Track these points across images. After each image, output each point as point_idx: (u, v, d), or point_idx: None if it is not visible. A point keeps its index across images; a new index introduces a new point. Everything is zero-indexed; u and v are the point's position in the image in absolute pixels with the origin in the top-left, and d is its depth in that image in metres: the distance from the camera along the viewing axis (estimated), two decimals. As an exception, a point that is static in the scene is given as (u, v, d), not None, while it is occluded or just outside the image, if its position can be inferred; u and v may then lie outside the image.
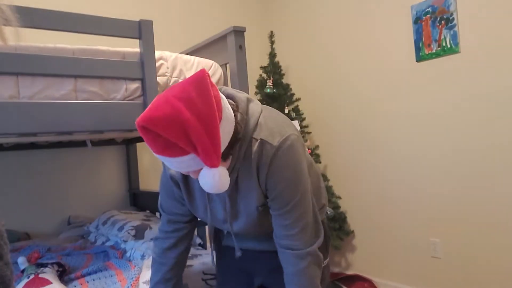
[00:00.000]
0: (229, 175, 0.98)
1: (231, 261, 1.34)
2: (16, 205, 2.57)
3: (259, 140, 1.01)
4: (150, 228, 2.16)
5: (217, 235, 1.40)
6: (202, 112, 0.84)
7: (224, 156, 0.96)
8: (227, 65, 2.06)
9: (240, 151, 1.01)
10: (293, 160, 1.02)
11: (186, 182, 1.16)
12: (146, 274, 1.66)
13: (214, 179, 0.87)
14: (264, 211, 1.09)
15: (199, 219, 1.29)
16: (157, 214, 2.67)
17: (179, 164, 0.89)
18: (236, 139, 0.97)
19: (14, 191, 2.58)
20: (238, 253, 1.21)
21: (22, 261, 1.76)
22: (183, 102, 0.84)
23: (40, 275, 1.54)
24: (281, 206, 1.04)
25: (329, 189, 3.11)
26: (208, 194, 1.13)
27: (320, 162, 3.20)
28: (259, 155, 1.01)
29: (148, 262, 1.75)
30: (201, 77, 0.88)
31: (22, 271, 1.66)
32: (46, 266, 1.64)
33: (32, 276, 1.54)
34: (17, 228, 2.54)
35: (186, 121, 0.82)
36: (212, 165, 0.86)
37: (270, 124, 1.03)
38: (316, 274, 1.08)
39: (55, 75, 1.46)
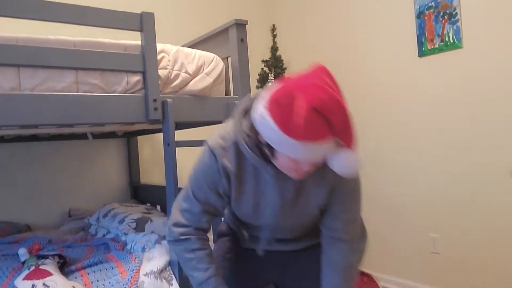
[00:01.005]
0: None
1: (246, 265, 1.33)
2: (17, 197, 2.57)
3: None
4: (151, 221, 2.17)
5: (233, 236, 1.40)
6: (344, 101, 0.88)
7: None
8: (229, 59, 2.05)
9: None
10: None
11: (239, 175, 1.10)
12: (147, 267, 1.67)
13: (357, 160, 0.91)
14: (319, 213, 1.15)
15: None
16: (158, 207, 2.68)
17: (319, 152, 0.90)
18: None
19: (15, 183, 2.58)
20: (260, 252, 1.24)
21: (22, 253, 1.77)
22: (333, 89, 0.87)
23: (40, 267, 1.55)
24: (345, 201, 1.14)
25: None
26: (263, 190, 1.10)
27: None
28: (337, 179, 1.08)
29: (148, 254, 1.76)
30: (324, 68, 0.92)
31: (23, 263, 1.66)
32: (47, 258, 1.65)
33: (33, 268, 1.54)
34: (18, 220, 2.55)
35: (345, 107, 0.86)
36: (355, 147, 0.92)
37: None
38: (357, 270, 1.20)
39: (56, 67, 1.46)
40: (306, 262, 1.29)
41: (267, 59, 3.23)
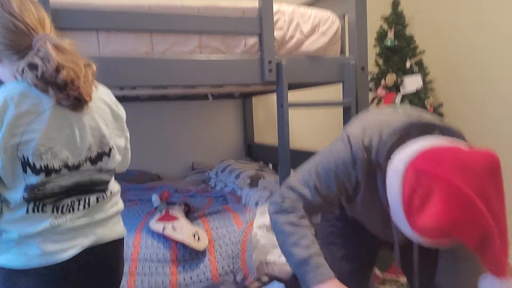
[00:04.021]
0: None
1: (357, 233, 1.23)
2: (149, 150, 2.92)
3: None
4: (263, 178, 2.28)
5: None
6: (499, 215, 0.76)
7: None
8: (345, 16, 1.97)
9: None
10: None
11: (370, 185, 0.99)
12: (260, 220, 1.79)
13: None
14: None
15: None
16: (270, 165, 2.79)
17: (432, 243, 0.82)
18: None
19: (148, 138, 2.93)
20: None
21: (155, 199, 2.03)
22: (485, 203, 0.74)
23: (170, 212, 1.76)
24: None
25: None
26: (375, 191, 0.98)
27: (443, 122, 2.93)
28: None
29: (261, 208, 1.87)
30: (496, 168, 0.78)
31: (155, 208, 1.91)
32: (175, 204, 1.87)
33: (163, 212, 1.77)
34: (150, 170, 2.91)
35: (488, 229, 0.74)
36: (502, 275, 0.78)
37: None
38: None
39: (183, 31, 1.58)
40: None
41: (387, 15, 3.01)
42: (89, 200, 1.01)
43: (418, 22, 3.25)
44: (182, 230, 1.61)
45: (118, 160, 1.10)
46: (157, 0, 1.59)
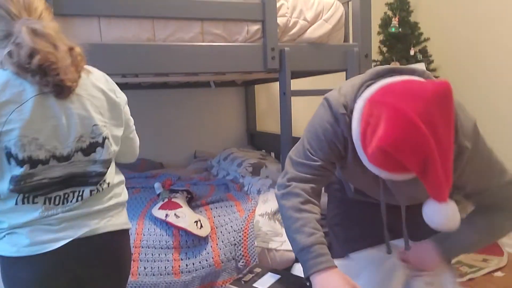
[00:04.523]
0: None
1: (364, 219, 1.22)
2: (152, 138, 2.92)
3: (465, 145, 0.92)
4: (266, 166, 2.29)
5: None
6: (443, 141, 0.77)
7: None
8: (349, 3, 1.94)
9: None
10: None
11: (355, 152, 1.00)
12: (262, 208, 1.79)
13: (445, 215, 0.80)
14: None
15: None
16: (272, 154, 2.79)
17: (392, 177, 0.83)
18: None
19: (150, 126, 2.93)
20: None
21: (158, 186, 2.04)
22: (429, 128, 0.75)
23: (172, 199, 1.77)
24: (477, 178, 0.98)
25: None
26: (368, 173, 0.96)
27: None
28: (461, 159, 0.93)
29: (263, 197, 1.88)
30: (445, 96, 0.78)
31: (158, 195, 1.92)
32: (177, 192, 1.87)
33: (166, 200, 1.77)
34: (153, 158, 2.91)
35: (430, 152, 0.75)
36: (442, 199, 0.79)
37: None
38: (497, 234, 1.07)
39: (184, 18, 1.57)
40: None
41: (392, 1, 2.97)
42: (83, 192, 0.98)
43: (423, 8, 3.21)
44: (185, 217, 1.62)
45: (114, 150, 1.04)
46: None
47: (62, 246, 0.94)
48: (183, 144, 3.04)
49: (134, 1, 1.49)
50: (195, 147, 3.07)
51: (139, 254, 1.55)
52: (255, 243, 1.66)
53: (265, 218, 1.75)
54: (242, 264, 1.62)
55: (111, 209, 1.05)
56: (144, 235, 1.61)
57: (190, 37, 1.59)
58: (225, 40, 1.66)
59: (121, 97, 1.07)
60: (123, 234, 1.09)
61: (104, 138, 0.99)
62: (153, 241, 1.59)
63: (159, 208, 1.70)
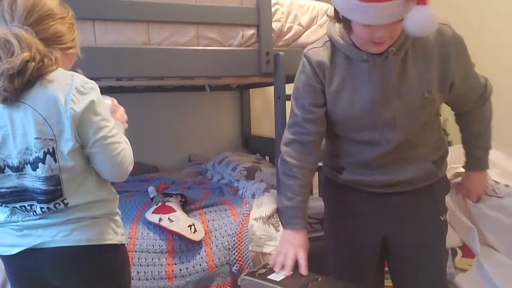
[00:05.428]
0: (395, 53, 1.04)
1: (354, 219, 1.26)
2: (146, 141, 2.91)
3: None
4: (260, 170, 2.29)
5: (329, 182, 1.34)
6: None
7: None
8: (344, 9, 1.96)
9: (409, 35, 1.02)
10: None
11: (333, 69, 1.12)
12: (256, 212, 1.79)
13: (431, 14, 0.88)
14: (427, 101, 1.08)
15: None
16: (267, 158, 2.80)
17: (389, 11, 0.89)
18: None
19: (145, 129, 2.92)
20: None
21: (151, 190, 2.03)
22: None
23: (166, 203, 1.76)
24: (468, 73, 1.14)
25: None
26: (359, 84, 1.09)
27: (440, 115, 2.92)
28: (439, 37, 1.06)
29: (258, 201, 1.88)
30: None
31: (152, 199, 1.91)
32: (171, 196, 1.87)
33: (160, 204, 1.77)
34: (147, 161, 2.90)
35: None
36: (423, 2, 0.88)
37: None
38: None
39: (180, 22, 1.57)
40: (423, 214, 1.20)
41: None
42: (36, 208, 0.95)
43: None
44: (179, 222, 1.62)
45: (61, 167, 0.94)
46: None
47: (20, 252, 0.95)
48: (178, 147, 3.03)
49: (129, 5, 1.49)
50: (190, 151, 3.06)
51: (132, 258, 1.54)
52: (249, 247, 1.66)
53: (259, 222, 1.75)
54: (236, 268, 1.62)
55: (74, 222, 0.97)
56: (137, 239, 1.60)
57: (185, 41, 1.59)
58: (220, 44, 1.66)
59: (78, 109, 0.92)
60: (90, 250, 0.99)
61: (46, 153, 0.92)
62: (147, 245, 1.58)
63: (152, 212, 1.70)
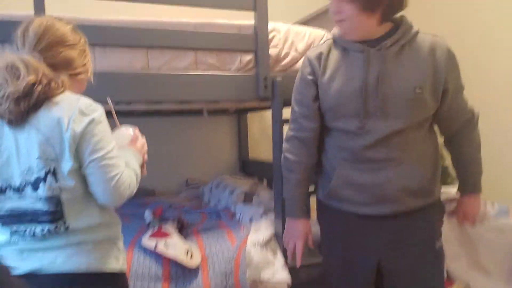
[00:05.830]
0: (389, 47, 1.12)
1: (348, 240, 1.26)
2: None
3: (430, 34, 1.15)
4: (258, 194, 2.27)
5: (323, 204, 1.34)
6: None
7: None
8: (340, 35, 2.00)
9: (407, 33, 1.13)
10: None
11: (328, 58, 1.21)
12: (254, 236, 1.77)
13: None
14: (418, 96, 1.11)
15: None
16: (264, 181, 2.79)
17: None
18: (400, 21, 1.15)
19: (143, 153, 2.91)
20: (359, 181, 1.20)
21: (147, 215, 2.01)
22: None
23: (163, 228, 1.74)
24: (458, 91, 1.20)
25: (444, 171, 2.83)
26: (351, 74, 1.16)
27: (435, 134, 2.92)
28: (434, 46, 1.13)
29: (255, 225, 1.86)
30: None
31: (148, 225, 1.89)
32: (168, 220, 1.85)
33: (156, 228, 1.75)
34: (145, 185, 2.88)
35: None
36: None
37: None
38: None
39: (179, 47, 1.60)
40: (419, 242, 1.19)
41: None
42: (34, 229, 0.94)
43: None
44: (175, 247, 1.60)
45: (61, 187, 0.93)
46: (154, 16, 1.60)
47: (21, 275, 0.94)
48: (175, 171, 3.02)
49: (128, 31, 1.52)
50: (187, 175, 3.05)
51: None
52: (247, 274, 1.63)
53: (256, 248, 1.73)
54: (233, 295, 1.59)
55: (75, 246, 0.96)
56: (133, 264, 1.57)
57: (184, 66, 1.62)
58: (219, 69, 1.69)
59: (78, 129, 0.92)
60: (90, 279, 0.97)
61: (47, 173, 0.92)
62: (143, 271, 1.55)
63: (149, 237, 1.67)
